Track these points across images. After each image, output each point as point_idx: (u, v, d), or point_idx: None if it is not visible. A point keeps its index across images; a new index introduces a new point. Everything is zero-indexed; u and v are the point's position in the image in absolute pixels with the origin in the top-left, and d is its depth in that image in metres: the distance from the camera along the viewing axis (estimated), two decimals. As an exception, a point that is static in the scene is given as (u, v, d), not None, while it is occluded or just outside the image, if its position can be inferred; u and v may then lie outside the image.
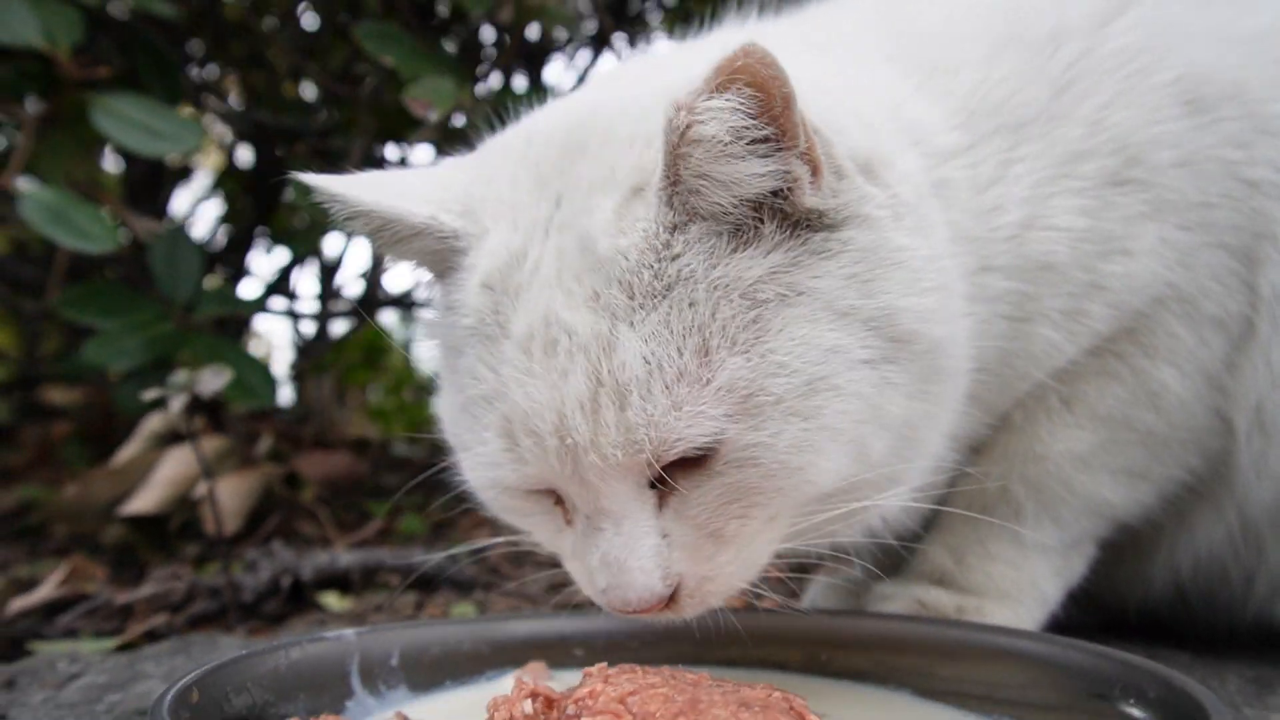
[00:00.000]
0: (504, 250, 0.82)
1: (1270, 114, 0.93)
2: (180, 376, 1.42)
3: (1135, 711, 0.71)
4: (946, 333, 0.82)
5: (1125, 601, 1.14)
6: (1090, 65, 0.94)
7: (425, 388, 4.49)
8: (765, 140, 0.74)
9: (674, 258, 0.75)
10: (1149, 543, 1.08)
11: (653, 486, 0.77)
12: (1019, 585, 1.02)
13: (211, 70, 2.67)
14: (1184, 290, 0.93)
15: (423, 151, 2.57)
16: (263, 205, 2.66)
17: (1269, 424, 0.96)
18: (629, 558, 0.76)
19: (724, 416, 0.73)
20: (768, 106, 0.72)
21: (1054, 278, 0.93)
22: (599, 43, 2.68)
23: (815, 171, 0.76)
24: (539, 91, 2.54)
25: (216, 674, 0.78)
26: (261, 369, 2.10)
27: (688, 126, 0.71)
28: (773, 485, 0.76)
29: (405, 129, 2.20)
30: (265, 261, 3.48)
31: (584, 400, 0.74)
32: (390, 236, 0.86)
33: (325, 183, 0.84)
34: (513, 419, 0.78)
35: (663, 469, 0.75)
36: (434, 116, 1.85)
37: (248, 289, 2.90)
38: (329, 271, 3.00)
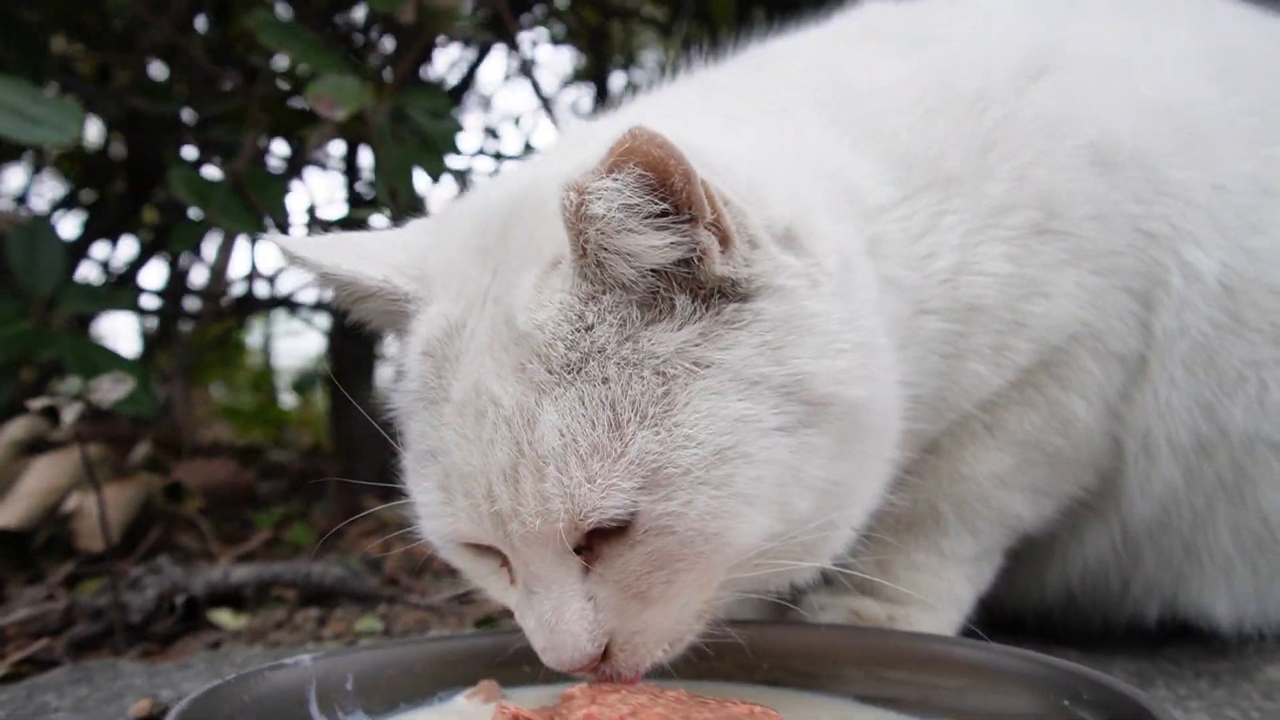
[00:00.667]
0: (443, 319, 0.86)
1: (1166, 178, 1.04)
2: (74, 384, 1.33)
3: (1085, 715, 0.77)
4: (866, 392, 0.84)
5: (1021, 605, 1.25)
6: (1013, 128, 1.03)
7: (301, 386, 4.31)
8: (663, 214, 0.76)
9: (588, 328, 0.78)
10: (1045, 552, 1.19)
11: (579, 551, 0.80)
12: (940, 594, 1.11)
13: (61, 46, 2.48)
14: (1095, 328, 1.03)
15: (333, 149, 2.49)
16: (134, 197, 2.50)
17: (1154, 449, 1.08)
18: (559, 622, 0.80)
19: (636, 489, 0.76)
20: (664, 182, 0.75)
21: (983, 318, 1.01)
22: (487, 41, 2.66)
23: (726, 241, 0.79)
24: (430, 92, 2.50)
25: (192, 711, 0.75)
26: (139, 373, 1.98)
27: (580, 205, 0.74)
28: (691, 551, 0.79)
29: (300, 125, 2.12)
30: (114, 254, 3.27)
31: (506, 470, 0.78)
32: (348, 296, 0.93)
33: (289, 244, 0.91)
34: (451, 475, 0.82)
35: (588, 536, 0.79)
36: (340, 116, 1.80)
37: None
38: (178, 267, 2.85)
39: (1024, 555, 1.18)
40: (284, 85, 2.31)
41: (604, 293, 0.79)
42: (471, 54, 2.91)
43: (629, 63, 3.57)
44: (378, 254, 0.93)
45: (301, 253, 0.91)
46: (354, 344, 2.74)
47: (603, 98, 3.09)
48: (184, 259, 3.03)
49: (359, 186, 2.75)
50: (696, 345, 0.79)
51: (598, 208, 0.74)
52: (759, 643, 0.99)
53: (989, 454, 1.07)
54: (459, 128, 2.40)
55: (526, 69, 2.46)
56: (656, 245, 0.77)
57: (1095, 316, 1.03)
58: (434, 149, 2.11)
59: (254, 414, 4.50)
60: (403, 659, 0.99)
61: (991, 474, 1.07)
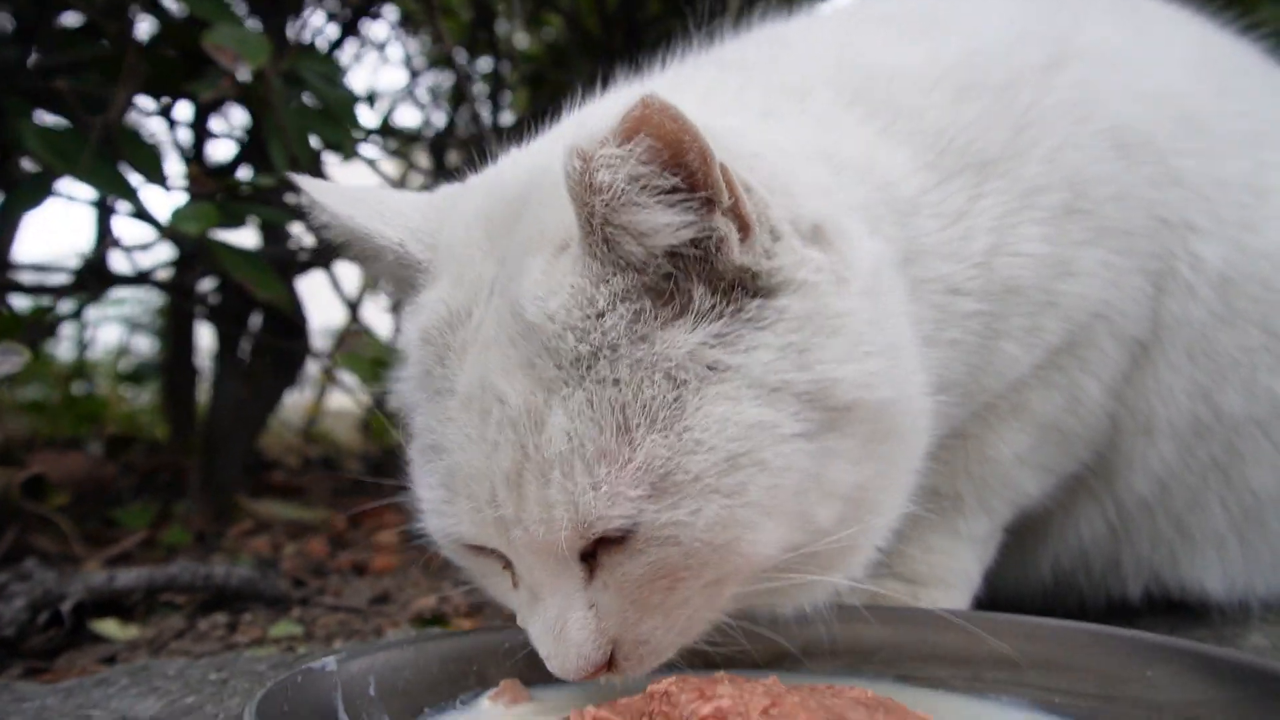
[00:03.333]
0: (442, 306, 0.84)
1: (1175, 165, 1.09)
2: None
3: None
4: (893, 393, 0.81)
5: (1008, 583, 1.26)
6: (1042, 112, 1.05)
7: (137, 376, 3.89)
8: (674, 190, 0.73)
9: (599, 315, 0.75)
10: (1040, 529, 1.21)
11: (582, 558, 0.78)
12: (954, 573, 1.11)
13: None
14: (1116, 308, 1.06)
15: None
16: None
17: (1153, 429, 1.12)
18: (562, 630, 0.78)
19: (641, 497, 0.73)
20: (676, 157, 0.72)
21: (1018, 299, 1.02)
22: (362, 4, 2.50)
23: (745, 229, 0.76)
24: (322, 57, 2.30)
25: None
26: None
27: (584, 174, 0.70)
28: (697, 561, 0.76)
29: (184, 80, 1.88)
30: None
31: (510, 474, 0.75)
32: (360, 251, 0.92)
33: (310, 186, 0.89)
34: (454, 474, 0.80)
35: (593, 543, 0.76)
36: (245, 72, 1.61)
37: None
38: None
39: (1020, 531, 1.19)
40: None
41: (615, 275, 0.75)
42: (333, 28, 2.71)
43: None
44: (399, 214, 0.91)
45: (320, 197, 0.89)
46: (223, 324, 2.49)
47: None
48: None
49: (211, 148, 2.51)
50: (713, 348, 0.75)
51: (603, 176, 0.70)
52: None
53: (1013, 435, 1.07)
54: (355, 97, 2.23)
55: (431, 17, 2.29)
56: (668, 223, 0.73)
57: (1116, 296, 1.06)
58: (333, 118, 1.96)
59: (64, 407, 4.02)
60: (417, 660, 0.89)
61: (1014, 455, 1.08)
